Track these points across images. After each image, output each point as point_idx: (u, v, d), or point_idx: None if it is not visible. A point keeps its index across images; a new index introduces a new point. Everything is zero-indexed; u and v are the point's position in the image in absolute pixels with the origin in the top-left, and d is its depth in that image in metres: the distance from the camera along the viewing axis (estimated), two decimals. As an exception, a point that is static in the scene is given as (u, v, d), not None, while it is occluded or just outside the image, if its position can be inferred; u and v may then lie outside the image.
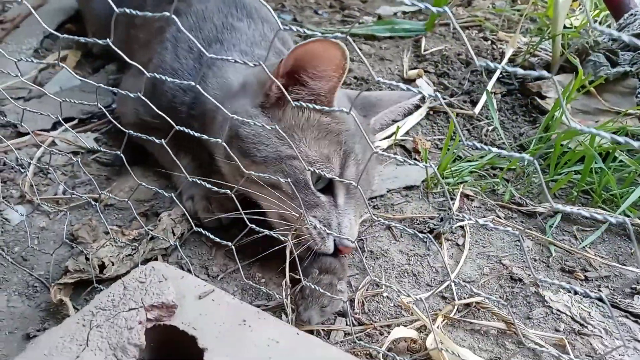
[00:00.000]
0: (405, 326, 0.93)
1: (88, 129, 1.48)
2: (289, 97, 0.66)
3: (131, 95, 0.73)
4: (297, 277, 0.89)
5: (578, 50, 1.64)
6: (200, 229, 0.91)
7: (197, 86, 0.67)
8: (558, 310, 0.98)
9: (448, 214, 1.17)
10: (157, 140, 0.77)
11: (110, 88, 0.82)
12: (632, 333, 0.94)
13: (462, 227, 1.17)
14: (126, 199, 0.93)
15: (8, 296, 0.99)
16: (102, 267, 0.99)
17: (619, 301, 1.00)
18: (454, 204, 1.21)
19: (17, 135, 1.43)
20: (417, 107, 1.58)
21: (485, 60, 0.58)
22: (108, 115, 0.89)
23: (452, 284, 1.03)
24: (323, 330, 0.93)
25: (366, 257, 1.09)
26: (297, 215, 0.95)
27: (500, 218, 1.20)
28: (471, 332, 0.94)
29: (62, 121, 0.97)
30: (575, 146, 1.31)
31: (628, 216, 1.17)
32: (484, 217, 1.20)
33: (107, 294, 0.78)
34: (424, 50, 1.85)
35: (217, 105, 0.71)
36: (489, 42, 1.94)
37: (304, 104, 0.64)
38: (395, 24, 2.00)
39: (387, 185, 1.30)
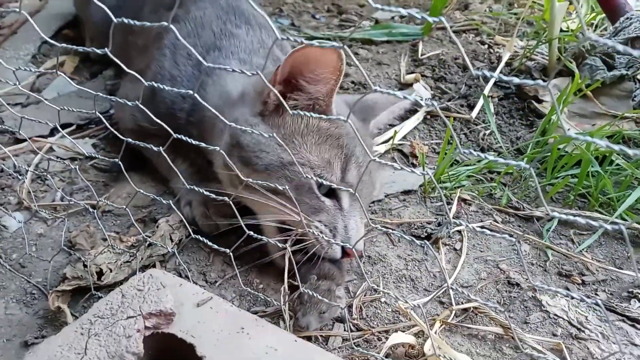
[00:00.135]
0: (403, 332, 0.93)
1: (86, 135, 1.48)
2: (286, 106, 0.66)
3: (129, 103, 0.74)
4: (295, 283, 0.89)
5: (574, 54, 1.65)
6: (198, 236, 0.91)
7: (195, 95, 0.68)
8: (555, 314, 0.99)
9: (445, 219, 1.17)
10: (155, 148, 0.77)
11: (109, 96, 0.82)
12: (629, 337, 0.95)
13: (459, 231, 1.18)
14: (124, 206, 0.94)
15: (6, 303, 0.99)
16: (100, 274, 0.99)
17: (616, 305, 1.01)
18: (451, 208, 1.21)
19: (14, 142, 1.43)
20: (415, 111, 1.58)
21: (481, 68, 0.58)
22: (105, 122, 0.89)
23: (450, 289, 1.03)
24: (321, 336, 0.93)
25: (364, 262, 1.09)
26: (299, 220, 0.95)
27: (497, 222, 1.21)
28: (469, 337, 0.94)
29: (59, 128, 0.98)
30: (572, 150, 1.32)
31: (624, 219, 1.17)
32: (482, 221, 1.21)
33: (105, 302, 0.78)
34: (421, 55, 1.85)
35: (217, 114, 0.71)
36: (486, 45, 1.94)
37: (301, 112, 0.65)
38: (393, 28, 2.01)
39: (385, 189, 1.30)
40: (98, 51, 0.68)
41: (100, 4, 0.71)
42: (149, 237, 1.02)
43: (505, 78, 0.52)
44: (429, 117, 1.58)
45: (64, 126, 1.47)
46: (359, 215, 1.01)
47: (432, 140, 1.51)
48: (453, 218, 1.19)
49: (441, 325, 0.95)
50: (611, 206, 1.23)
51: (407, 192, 1.30)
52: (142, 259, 1.03)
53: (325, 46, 0.85)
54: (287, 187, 0.82)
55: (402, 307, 0.96)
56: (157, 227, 1.09)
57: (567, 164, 1.31)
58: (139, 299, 0.77)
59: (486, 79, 1.68)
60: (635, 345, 0.93)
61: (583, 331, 0.96)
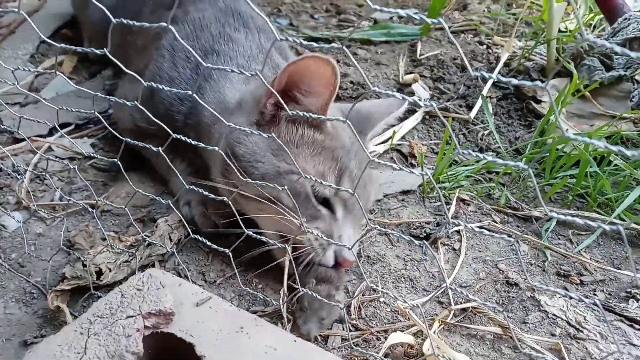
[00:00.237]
0: (402, 331, 0.93)
1: (84, 134, 1.48)
2: (286, 107, 0.66)
3: (128, 104, 0.74)
4: (295, 286, 0.89)
5: (573, 54, 1.65)
6: (197, 235, 0.91)
7: (195, 96, 0.68)
8: (554, 314, 0.99)
9: (444, 219, 1.17)
10: (154, 148, 0.77)
11: (108, 97, 0.82)
12: (627, 337, 0.95)
13: (458, 231, 1.18)
14: (123, 205, 0.94)
15: (5, 303, 0.99)
16: (99, 273, 0.99)
17: (614, 305, 1.01)
18: (449, 208, 1.22)
19: (13, 142, 1.43)
20: (413, 111, 1.58)
21: (479, 69, 0.58)
22: (104, 122, 0.89)
23: (449, 289, 1.03)
24: (320, 336, 0.93)
25: (363, 262, 1.10)
26: (296, 228, 0.95)
27: (496, 222, 1.21)
28: (467, 337, 0.94)
29: (58, 127, 0.98)
30: (570, 150, 1.32)
31: (623, 220, 1.17)
32: (480, 221, 1.21)
33: (104, 301, 0.78)
34: (420, 55, 1.86)
35: (213, 120, 0.72)
36: (485, 46, 1.94)
37: (299, 113, 0.65)
38: (391, 29, 2.01)
39: (384, 189, 1.30)
40: (97, 52, 0.69)
41: (98, 4, 0.71)
42: (148, 236, 1.02)
43: (503, 79, 0.52)
44: (427, 117, 1.59)
45: (62, 126, 1.47)
46: (351, 227, 1.01)
47: (430, 140, 1.51)
48: (452, 218, 1.19)
49: (440, 325, 0.95)
50: (609, 206, 1.23)
51: (405, 192, 1.30)
52: (141, 258, 1.03)
53: (322, 57, 0.86)
54: (283, 194, 0.82)
55: (401, 307, 0.96)
56: (156, 226, 1.09)
57: (565, 165, 1.31)
58: (138, 298, 0.77)
59: (485, 80, 1.68)
60: (634, 345, 0.93)
61: (581, 331, 0.96)
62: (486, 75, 0.52)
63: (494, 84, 1.70)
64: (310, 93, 0.94)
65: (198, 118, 1.12)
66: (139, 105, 0.72)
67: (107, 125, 0.91)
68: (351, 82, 1.71)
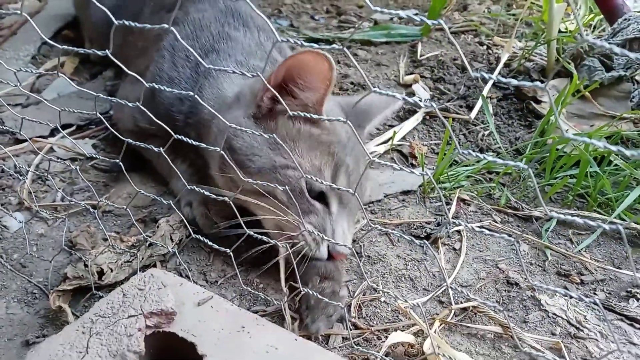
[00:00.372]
0: (403, 331, 0.93)
1: (86, 135, 1.48)
2: (283, 102, 0.67)
3: (130, 104, 0.74)
4: (296, 284, 0.89)
5: (573, 55, 1.66)
6: (199, 236, 0.92)
7: (195, 96, 0.68)
8: (554, 314, 0.99)
9: (444, 218, 1.18)
10: (155, 149, 0.77)
11: (109, 97, 0.83)
12: (627, 336, 0.95)
13: (458, 231, 1.18)
14: (124, 206, 0.94)
15: (7, 303, 0.99)
16: (101, 273, 1.00)
17: (614, 304, 1.01)
18: (450, 208, 1.22)
19: (15, 142, 1.44)
20: (414, 112, 1.59)
21: (479, 69, 0.58)
22: (105, 123, 0.90)
23: (449, 288, 1.03)
24: (321, 335, 0.94)
25: (364, 262, 1.10)
26: (292, 222, 0.96)
27: (496, 222, 1.21)
28: (468, 336, 0.95)
29: (60, 128, 0.98)
30: (570, 150, 1.33)
31: (623, 220, 1.18)
32: (481, 221, 1.21)
33: (106, 301, 0.79)
34: (420, 56, 1.86)
35: (212, 115, 0.72)
36: (485, 46, 1.95)
37: (298, 114, 0.65)
38: (392, 29, 2.01)
39: (384, 190, 1.31)
40: (99, 53, 0.69)
41: (99, 5, 0.71)
42: (150, 237, 1.02)
43: (503, 80, 0.52)
44: (428, 117, 1.59)
45: (64, 127, 1.47)
46: (346, 221, 1.02)
47: (431, 140, 1.52)
48: (452, 218, 1.19)
49: (440, 325, 0.95)
50: (610, 206, 1.24)
51: (406, 193, 1.31)
52: (142, 258, 1.04)
53: (320, 52, 0.87)
54: (279, 188, 0.82)
55: (402, 306, 0.96)
56: (158, 227, 1.09)
57: (565, 165, 1.32)
58: (140, 298, 0.78)
59: (485, 80, 1.69)
60: (634, 344, 0.94)
61: (582, 330, 0.96)
62: (486, 75, 0.52)
63: (494, 84, 1.70)
64: (307, 87, 0.95)
65: (198, 116, 1.13)
66: (141, 106, 0.72)
67: (108, 126, 0.91)
68: (352, 83, 1.71)
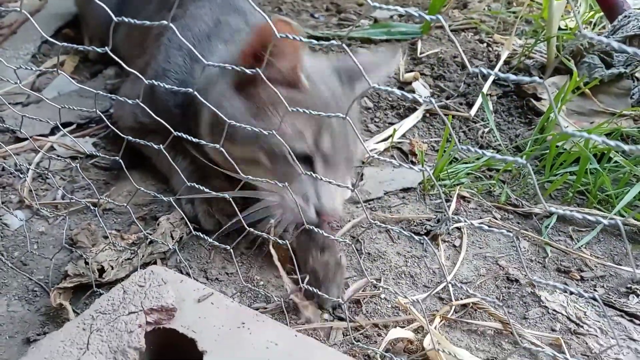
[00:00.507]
0: (403, 327, 0.94)
1: (86, 133, 1.49)
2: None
3: (130, 101, 0.74)
4: (295, 277, 0.90)
5: (573, 52, 1.66)
6: (199, 233, 0.92)
7: (195, 93, 0.68)
8: (554, 310, 0.99)
9: (444, 215, 1.18)
10: (155, 146, 0.77)
11: (109, 95, 0.83)
12: (627, 332, 0.95)
13: (459, 228, 1.18)
14: (125, 204, 0.94)
15: (8, 301, 0.99)
16: (102, 271, 1.00)
17: (614, 301, 1.01)
18: (450, 206, 1.22)
19: (15, 141, 1.44)
20: (414, 109, 1.59)
21: (479, 67, 0.59)
22: (106, 121, 0.90)
23: (449, 285, 1.03)
24: (322, 331, 0.94)
25: (364, 259, 1.10)
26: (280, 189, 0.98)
27: (496, 219, 1.21)
28: (468, 332, 0.95)
29: (60, 126, 0.98)
30: (570, 147, 1.33)
31: (623, 217, 1.18)
32: (481, 218, 1.21)
33: (107, 298, 0.79)
34: (420, 53, 1.86)
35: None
36: (485, 44, 1.95)
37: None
38: (392, 27, 2.01)
39: (384, 187, 1.31)
40: (99, 50, 0.69)
41: (100, 3, 0.71)
42: (150, 234, 1.03)
43: (502, 75, 0.52)
44: (428, 115, 1.59)
45: (64, 125, 1.47)
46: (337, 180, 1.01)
47: (431, 138, 1.52)
48: (452, 215, 1.20)
49: (441, 321, 0.95)
50: (610, 203, 1.24)
51: (406, 190, 1.31)
52: (143, 256, 1.04)
53: (282, 19, 0.89)
54: (262, 157, 0.82)
55: (402, 302, 0.96)
56: (158, 224, 1.09)
57: (565, 162, 1.32)
58: (140, 294, 0.78)
59: (484, 77, 1.69)
60: (633, 339, 0.94)
61: (582, 326, 0.96)
62: (485, 71, 0.53)
63: (494, 82, 1.70)
64: (278, 54, 0.96)
65: (191, 104, 1.14)
66: (141, 104, 0.72)
67: (109, 124, 0.91)
68: (351, 81, 1.71)
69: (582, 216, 0.53)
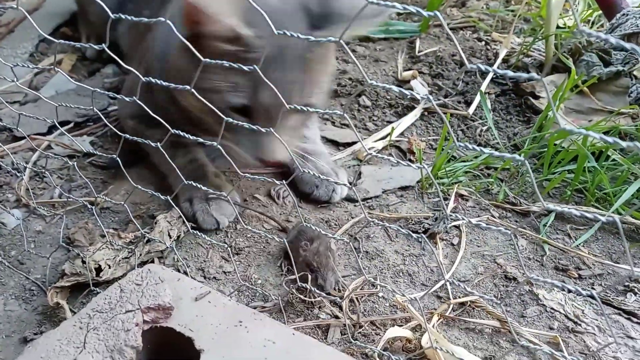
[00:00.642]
0: (401, 326, 0.93)
1: (84, 132, 1.48)
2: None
3: (127, 99, 0.74)
4: (293, 277, 0.90)
5: (571, 50, 1.66)
6: (197, 231, 0.92)
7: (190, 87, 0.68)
8: (552, 308, 0.99)
9: (442, 213, 1.18)
10: (152, 144, 0.77)
11: (107, 93, 0.82)
12: (625, 330, 0.95)
13: (457, 226, 1.18)
14: (122, 202, 0.94)
15: (5, 300, 0.99)
16: (99, 270, 1.00)
17: (612, 299, 1.01)
18: (448, 204, 1.22)
19: (12, 140, 1.44)
20: (412, 108, 1.59)
21: (476, 63, 0.58)
22: (104, 119, 0.90)
23: (447, 283, 1.03)
24: (319, 329, 0.94)
25: (361, 257, 1.10)
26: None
27: (494, 217, 1.21)
28: (466, 330, 0.95)
29: (57, 125, 0.98)
30: (568, 145, 1.33)
31: (621, 215, 1.18)
32: (479, 216, 1.21)
33: (103, 296, 0.79)
34: (419, 52, 1.86)
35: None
36: (483, 42, 1.95)
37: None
38: (390, 25, 2.01)
39: (383, 186, 1.31)
40: (96, 47, 0.69)
41: (100, 2, 0.71)
42: (148, 233, 1.02)
43: (499, 71, 0.52)
44: (426, 113, 1.59)
45: (62, 124, 1.47)
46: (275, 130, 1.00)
47: (429, 136, 1.51)
48: (450, 213, 1.19)
49: (439, 319, 0.95)
50: (608, 201, 1.24)
51: (404, 188, 1.31)
52: (140, 255, 1.04)
53: None
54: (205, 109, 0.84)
55: (400, 300, 0.96)
56: (156, 223, 1.09)
57: (563, 160, 1.31)
58: (137, 293, 0.77)
59: (482, 74, 1.69)
60: (631, 337, 0.94)
61: (579, 324, 0.96)
62: (482, 67, 0.52)
63: (492, 80, 1.70)
64: (211, 22, 0.96)
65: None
66: (138, 101, 0.72)
67: (107, 123, 0.91)
68: (350, 79, 1.71)
69: (580, 214, 0.53)
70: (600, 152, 1.31)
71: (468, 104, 1.61)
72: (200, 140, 0.78)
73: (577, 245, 1.15)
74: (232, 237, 1.13)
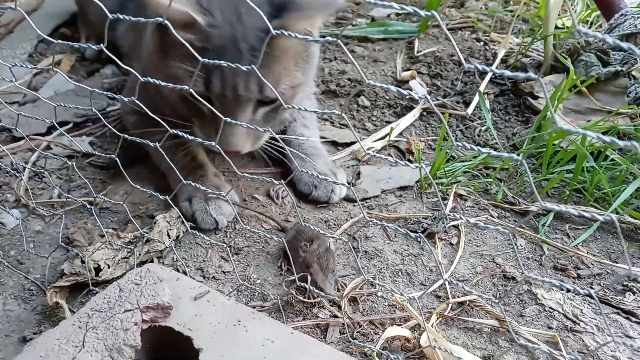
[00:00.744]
0: (399, 325, 0.94)
1: (83, 132, 1.48)
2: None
3: (125, 99, 0.75)
4: (292, 277, 0.90)
5: (569, 51, 1.66)
6: (196, 231, 0.92)
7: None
8: (550, 307, 1.00)
9: (441, 213, 1.18)
10: (151, 144, 0.78)
11: (105, 93, 0.83)
12: (624, 329, 0.95)
13: (455, 226, 1.19)
14: (121, 202, 0.94)
15: (4, 299, 0.99)
16: (98, 269, 1.00)
17: (611, 298, 1.01)
18: (446, 204, 1.22)
19: (12, 140, 1.44)
20: (411, 108, 1.59)
21: (474, 63, 0.59)
22: (102, 119, 0.90)
23: (446, 283, 1.03)
24: (318, 328, 0.94)
25: (360, 257, 1.10)
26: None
27: (493, 217, 1.21)
28: (465, 330, 0.95)
29: (56, 125, 0.98)
30: (567, 145, 1.33)
31: (619, 214, 1.18)
32: (477, 216, 1.22)
33: (102, 296, 0.79)
34: (417, 52, 1.86)
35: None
36: (482, 43, 1.95)
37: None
38: (389, 26, 2.01)
39: (382, 185, 1.31)
40: (94, 47, 0.69)
41: (98, 2, 0.71)
42: (147, 233, 1.02)
43: (497, 72, 0.52)
44: (425, 114, 1.59)
45: (61, 124, 1.47)
46: (232, 117, 0.97)
47: (428, 136, 1.52)
48: (449, 213, 1.20)
49: (437, 319, 0.95)
50: (606, 201, 1.24)
51: (403, 188, 1.31)
52: (139, 254, 1.04)
53: None
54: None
55: (399, 300, 0.96)
56: (155, 223, 1.09)
57: (562, 160, 1.32)
58: (136, 292, 0.78)
59: (481, 75, 1.69)
60: (630, 337, 0.94)
61: (578, 324, 0.96)
62: (480, 67, 0.53)
63: (491, 80, 1.71)
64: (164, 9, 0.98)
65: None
66: (136, 100, 0.72)
67: (106, 123, 0.91)
68: (348, 79, 1.71)
69: (578, 213, 0.53)
70: (598, 152, 1.31)
71: (467, 104, 1.62)
72: (199, 140, 0.78)
73: (576, 245, 1.15)
74: (231, 237, 1.13)
